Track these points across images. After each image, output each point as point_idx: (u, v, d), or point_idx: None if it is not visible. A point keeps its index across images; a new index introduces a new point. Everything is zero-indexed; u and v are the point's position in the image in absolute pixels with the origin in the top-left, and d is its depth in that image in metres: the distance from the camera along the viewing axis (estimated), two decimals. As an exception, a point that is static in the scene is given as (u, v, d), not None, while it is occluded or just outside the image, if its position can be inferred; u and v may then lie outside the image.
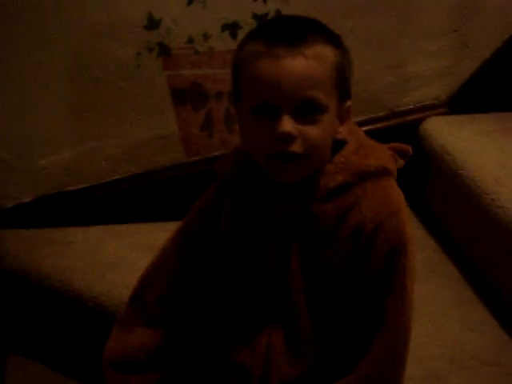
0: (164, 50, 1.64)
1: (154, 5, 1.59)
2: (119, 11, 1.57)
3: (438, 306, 1.57)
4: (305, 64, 1.03)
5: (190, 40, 1.64)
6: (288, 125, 1.03)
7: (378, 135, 1.83)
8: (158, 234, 1.66)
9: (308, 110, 1.05)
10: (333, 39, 1.08)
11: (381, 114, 1.86)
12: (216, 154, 1.77)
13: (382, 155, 1.15)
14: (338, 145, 1.13)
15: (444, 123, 1.83)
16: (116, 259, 1.61)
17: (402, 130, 1.84)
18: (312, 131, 1.05)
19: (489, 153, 1.68)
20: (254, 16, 1.63)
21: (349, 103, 1.12)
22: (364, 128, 1.82)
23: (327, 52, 1.06)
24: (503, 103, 1.90)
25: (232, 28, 1.64)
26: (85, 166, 1.73)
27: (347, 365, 1.13)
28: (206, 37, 1.64)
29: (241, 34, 1.63)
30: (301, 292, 1.15)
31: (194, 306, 1.28)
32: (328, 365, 1.17)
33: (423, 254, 1.73)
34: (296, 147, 1.05)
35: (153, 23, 1.59)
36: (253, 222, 1.18)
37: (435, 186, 1.87)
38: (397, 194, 1.13)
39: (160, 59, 1.65)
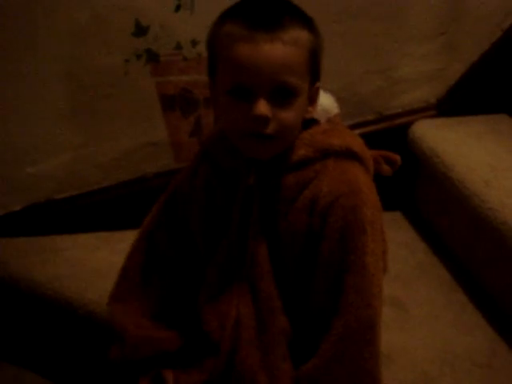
0: (152, 57, 1.64)
1: (141, 11, 1.58)
2: (107, 18, 1.57)
3: (429, 309, 1.57)
4: (282, 49, 1.05)
5: (179, 46, 1.64)
6: (264, 108, 1.06)
7: (367, 139, 1.84)
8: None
9: (283, 94, 1.08)
10: (308, 23, 1.11)
11: (370, 118, 1.87)
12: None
13: (350, 139, 1.20)
14: (308, 123, 1.17)
15: (433, 126, 1.84)
16: (107, 266, 1.60)
17: (391, 133, 1.85)
18: (286, 114, 1.08)
19: (478, 155, 1.68)
20: (242, 21, 1.63)
21: (318, 84, 1.16)
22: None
23: (303, 37, 1.08)
24: (491, 105, 1.91)
25: (220, 34, 1.64)
26: (74, 174, 1.73)
27: (312, 345, 1.14)
28: (194, 43, 1.64)
29: (229, 40, 1.64)
30: (265, 261, 1.17)
31: (181, 272, 1.33)
32: (295, 344, 1.18)
33: (414, 256, 1.74)
34: (270, 129, 1.08)
35: (140, 30, 1.59)
36: (222, 191, 1.23)
37: (425, 188, 1.88)
38: (360, 177, 1.15)
39: (148, 66, 1.65)
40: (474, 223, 1.60)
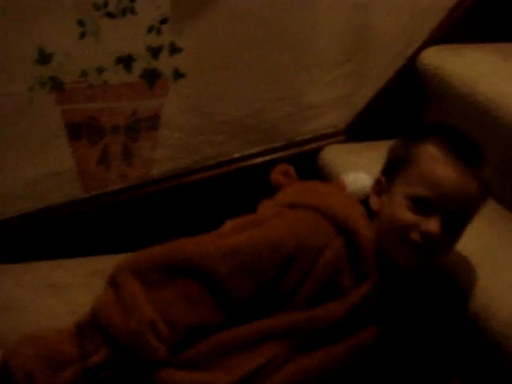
0: (57, 85, 1.60)
1: (45, 39, 1.55)
2: (9, 46, 1.53)
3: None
4: (476, 188, 1.23)
5: (84, 74, 1.61)
6: (438, 226, 1.21)
7: (277, 165, 1.86)
8: (55, 272, 1.62)
9: (453, 222, 1.23)
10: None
11: (279, 144, 1.87)
12: (114, 188, 1.75)
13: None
14: None
15: (342, 151, 1.86)
16: (10, 300, 1.55)
17: (301, 159, 1.85)
18: (445, 240, 1.24)
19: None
20: (149, 48, 1.61)
21: None
22: (262, 159, 1.84)
23: (487, 182, 1.27)
24: (398, 131, 1.93)
25: (126, 61, 1.62)
26: (-24, 205, 1.67)
27: None
28: (99, 70, 1.61)
29: (135, 67, 1.63)
30: None
31: None
32: None
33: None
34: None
35: (44, 57, 1.55)
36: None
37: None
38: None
39: (53, 94, 1.61)
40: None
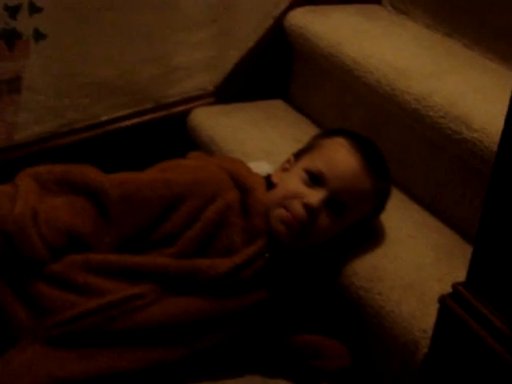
0: None
1: None
2: None
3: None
4: (369, 187, 1.32)
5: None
6: (319, 199, 1.28)
7: (145, 128, 1.84)
8: None
9: (337, 207, 1.30)
10: None
11: (147, 107, 1.83)
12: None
13: None
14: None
15: (211, 113, 1.85)
16: None
17: (169, 121, 1.84)
18: (325, 221, 1.29)
19: (254, 141, 1.71)
20: (6, 7, 1.53)
21: None
22: (131, 121, 1.81)
23: (383, 194, 1.38)
24: (268, 91, 1.95)
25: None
26: None
27: None
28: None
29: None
30: None
31: None
32: None
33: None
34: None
35: None
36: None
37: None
38: None
39: None
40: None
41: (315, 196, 1.28)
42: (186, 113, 1.86)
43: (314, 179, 1.30)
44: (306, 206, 1.27)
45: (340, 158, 1.32)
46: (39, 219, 1.21)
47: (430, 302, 1.19)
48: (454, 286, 1.08)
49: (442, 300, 1.09)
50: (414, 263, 1.36)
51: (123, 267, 1.26)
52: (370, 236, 1.42)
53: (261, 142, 1.72)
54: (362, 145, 1.35)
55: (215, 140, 1.74)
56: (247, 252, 1.29)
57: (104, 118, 1.79)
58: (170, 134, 1.82)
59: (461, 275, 1.08)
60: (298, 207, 1.28)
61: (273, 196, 1.33)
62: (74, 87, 1.72)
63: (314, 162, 1.33)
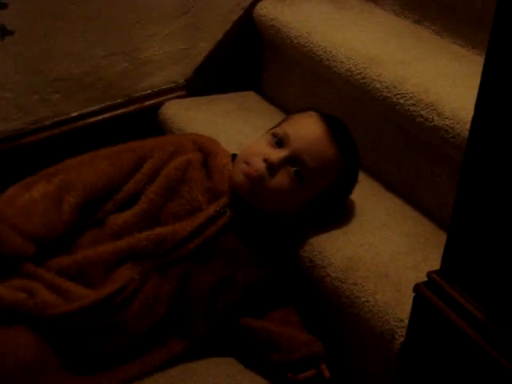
0: None
1: None
2: None
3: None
4: (332, 157, 1.35)
5: None
6: (279, 156, 1.33)
7: (117, 122, 1.82)
8: None
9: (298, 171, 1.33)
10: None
11: (119, 101, 1.81)
12: None
13: None
14: None
15: (182, 106, 1.84)
16: None
17: (141, 115, 1.83)
18: (284, 181, 1.33)
19: (226, 133, 1.70)
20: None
21: None
22: (103, 116, 1.79)
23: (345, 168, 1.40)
24: (239, 83, 1.94)
25: None
26: None
27: None
28: None
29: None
30: None
31: None
32: None
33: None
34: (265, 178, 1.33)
35: None
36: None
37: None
38: None
39: None
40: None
41: (276, 154, 1.34)
42: (158, 106, 1.84)
43: (279, 143, 1.36)
44: (266, 161, 1.33)
45: (306, 124, 1.38)
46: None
47: (406, 291, 1.19)
48: (429, 274, 1.08)
49: (417, 289, 1.09)
50: (388, 252, 1.36)
51: (94, 264, 1.29)
52: (345, 226, 1.42)
53: (233, 134, 1.71)
54: (331, 119, 1.40)
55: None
56: (208, 211, 1.34)
57: (74, 113, 1.77)
58: (142, 127, 1.80)
59: (436, 263, 1.08)
60: (258, 161, 1.33)
61: (238, 157, 1.39)
62: (43, 83, 1.69)
63: (282, 127, 1.39)
